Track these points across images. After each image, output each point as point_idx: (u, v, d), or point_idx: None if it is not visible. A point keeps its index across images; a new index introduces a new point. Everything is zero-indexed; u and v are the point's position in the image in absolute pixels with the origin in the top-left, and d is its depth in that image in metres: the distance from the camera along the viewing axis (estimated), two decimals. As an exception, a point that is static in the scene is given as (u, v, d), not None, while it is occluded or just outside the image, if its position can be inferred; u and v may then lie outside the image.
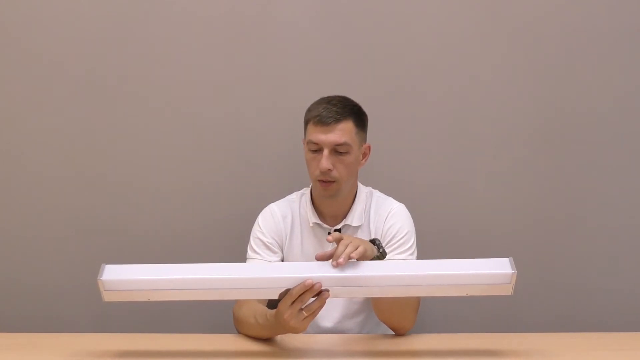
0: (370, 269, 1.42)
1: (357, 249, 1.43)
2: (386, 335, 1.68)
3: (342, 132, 1.67)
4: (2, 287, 2.11)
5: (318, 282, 1.38)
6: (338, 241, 1.44)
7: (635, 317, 2.13)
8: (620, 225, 2.15)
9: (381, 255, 1.54)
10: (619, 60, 2.13)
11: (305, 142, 1.73)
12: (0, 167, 2.10)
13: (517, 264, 1.41)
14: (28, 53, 2.08)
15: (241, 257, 1.80)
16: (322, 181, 1.69)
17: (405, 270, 1.43)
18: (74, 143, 2.10)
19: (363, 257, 1.46)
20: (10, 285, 2.11)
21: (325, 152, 1.67)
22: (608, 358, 1.52)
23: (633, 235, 2.16)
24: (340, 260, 1.39)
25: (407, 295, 1.56)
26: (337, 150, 1.68)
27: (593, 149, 2.14)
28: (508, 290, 1.42)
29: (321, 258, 1.44)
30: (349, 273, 1.40)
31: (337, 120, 1.67)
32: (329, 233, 1.77)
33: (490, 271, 1.42)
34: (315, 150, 1.69)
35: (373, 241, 1.56)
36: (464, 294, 1.44)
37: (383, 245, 1.60)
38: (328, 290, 1.39)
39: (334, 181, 1.69)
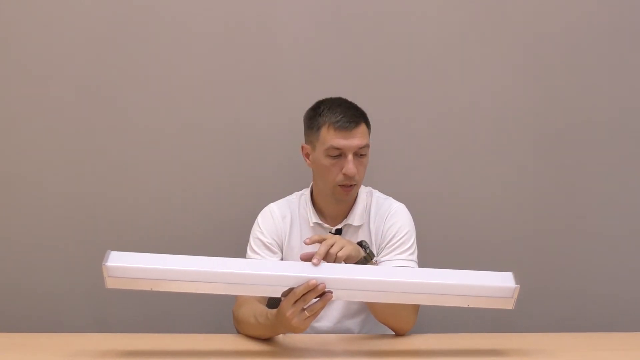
0: (374, 273, 1.43)
1: (342, 249, 1.45)
2: (386, 335, 1.68)
3: (362, 134, 1.68)
4: (2, 287, 2.11)
5: (322, 283, 1.38)
6: (320, 242, 1.45)
7: (635, 317, 2.13)
8: (620, 226, 2.16)
9: (368, 257, 1.55)
10: (619, 60, 2.13)
11: (321, 148, 1.69)
12: (0, 167, 2.10)
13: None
14: (28, 53, 2.08)
15: (241, 257, 1.79)
16: (344, 186, 1.69)
17: (409, 277, 1.43)
18: (74, 143, 2.10)
19: (349, 259, 1.47)
20: (10, 285, 2.11)
21: (350, 156, 1.66)
22: (608, 358, 1.52)
23: (633, 236, 2.16)
24: (315, 260, 1.40)
25: (407, 302, 1.57)
26: (358, 154, 1.68)
27: (593, 149, 2.15)
28: (509, 304, 1.43)
29: (305, 258, 1.45)
30: (353, 276, 1.40)
31: (357, 124, 1.68)
32: (330, 233, 1.77)
33: (493, 284, 1.42)
34: (336, 156, 1.68)
35: (360, 243, 1.56)
36: (465, 305, 1.45)
37: (370, 247, 1.61)
38: (331, 292, 1.39)
39: (355, 184, 1.70)
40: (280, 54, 2.10)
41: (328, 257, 1.44)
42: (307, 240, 1.48)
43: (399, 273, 1.48)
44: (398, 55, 2.11)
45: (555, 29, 2.12)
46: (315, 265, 1.40)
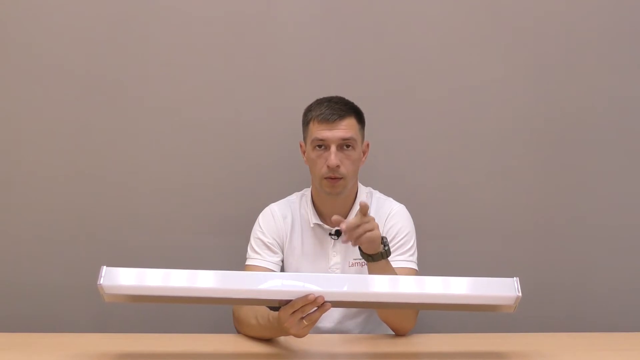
0: (373, 285, 1.41)
1: (368, 232, 1.48)
2: (387, 336, 1.68)
3: (348, 127, 1.70)
4: (2, 287, 2.11)
5: (320, 296, 1.37)
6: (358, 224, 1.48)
7: (635, 317, 2.13)
8: (621, 225, 2.15)
9: (385, 253, 1.54)
10: (619, 60, 2.13)
11: (309, 141, 1.73)
12: (0, 167, 2.10)
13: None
14: (28, 53, 2.07)
15: (241, 257, 1.80)
16: (330, 178, 1.70)
17: (408, 289, 1.41)
18: (74, 143, 2.09)
19: (369, 243, 1.50)
20: (10, 285, 2.11)
21: (333, 148, 1.68)
22: (608, 358, 1.52)
23: (633, 235, 2.16)
24: (342, 226, 1.45)
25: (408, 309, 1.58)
26: (344, 146, 1.69)
27: (593, 149, 2.14)
28: (510, 309, 1.41)
29: (336, 221, 1.50)
30: (352, 289, 1.39)
31: (342, 117, 1.69)
32: (330, 234, 1.77)
33: (496, 294, 1.40)
34: (321, 148, 1.70)
35: (381, 238, 1.56)
36: (467, 311, 1.43)
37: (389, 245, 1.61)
38: (330, 302, 1.38)
39: (342, 178, 1.70)
40: (280, 54, 2.10)
41: (354, 232, 1.46)
42: (344, 227, 1.48)
43: (399, 284, 1.43)
44: (398, 54, 2.11)
45: (555, 29, 2.12)
46: (342, 229, 1.45)
